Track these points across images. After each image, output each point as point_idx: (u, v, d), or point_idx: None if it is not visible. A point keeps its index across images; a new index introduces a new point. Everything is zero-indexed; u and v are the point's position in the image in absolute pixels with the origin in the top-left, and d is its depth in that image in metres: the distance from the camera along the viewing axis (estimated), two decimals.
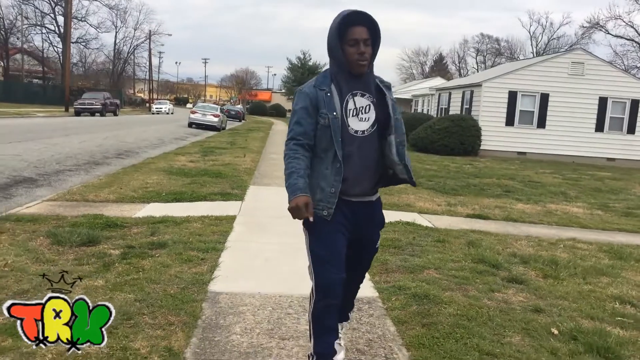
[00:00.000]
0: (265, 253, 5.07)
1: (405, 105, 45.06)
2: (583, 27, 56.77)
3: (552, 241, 6.59)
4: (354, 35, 2.52)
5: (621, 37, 45.45)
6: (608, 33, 46.91)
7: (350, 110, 2.59)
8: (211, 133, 27.52)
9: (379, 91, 2.67)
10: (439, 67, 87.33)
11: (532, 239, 6.60)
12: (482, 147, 22.70)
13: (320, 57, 72.82)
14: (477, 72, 63.04)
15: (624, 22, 49.70)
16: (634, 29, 44.66)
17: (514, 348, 3.27)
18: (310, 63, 71.88)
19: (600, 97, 23.00)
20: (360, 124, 2.59)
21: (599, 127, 23.26)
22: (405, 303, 3.93)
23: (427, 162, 17.35)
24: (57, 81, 68.21)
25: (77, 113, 36.60)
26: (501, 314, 3.85)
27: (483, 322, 3.66)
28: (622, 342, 3.45)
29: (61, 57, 66.52)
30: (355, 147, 2.58)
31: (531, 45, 76.57)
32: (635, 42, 45.88)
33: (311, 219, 2.48)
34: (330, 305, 2.63)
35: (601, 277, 5.07)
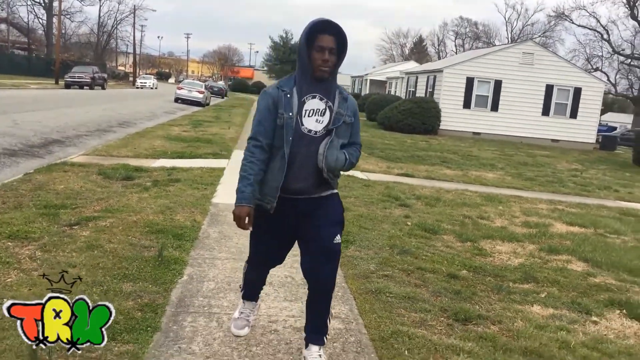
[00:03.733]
0: None
1: (381, 86, 47.71)
2: (549, 16, 59.67)
3: (449, 190, 9.32)
4: (321, 42, 2.66)
5: (584, 27, 48.31)
6: (572, 23, 49.71)
7: (306, 110, 2.73)
8: (196, 108, 29.84)
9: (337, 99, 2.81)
10: (419, 50, 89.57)
11: (435, 189, 9.32)
12: (441, 127, 25.39)
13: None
14: (456, 55, 65.62)
15: (588, 12, 52.82)
16: (596, 19, 47.59)
17: (387, 227, 5.96)
18: (293, 42, 73.68)
19: (547, 85, 25.83)
20: (316, 125, 2.74)
21: (545, 112, 26.13)
22: None
23: (388, 139, 20.01)
24: (41, 53, 69.20)
25: (67, 86, 38.43)
26: (385, 218, 6.56)
27: (372, 220, 6.35)
28: (445, 229, 6.19)
29: (46, 29, 67.50)
30: (304, 146, 2.72)
31: (506, 30, 79.50)
32: (597, 32, 48.78)
33: (250, 229, 2.76)
34: (259, 273, 3.20)
35: (464, 207, 7.80)
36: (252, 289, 3.24)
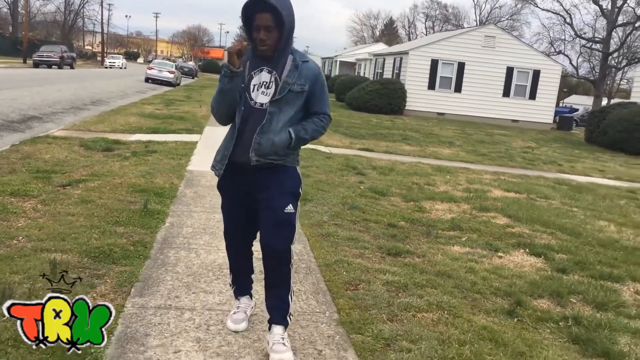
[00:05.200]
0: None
1: (350, 68, 48.48)
2: None
3: (404, 162, 10.24)
4: (257, 21, 2.65)
5: (548, 11, 49.60)
6: (537, 6, 51.00)
7: (254, 85, 2.75)
8: (167, 88, 30.18)
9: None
10: (389, 31, 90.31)
11: (392, 161, 10.23)
12: (407, 108, 26.34)
13: None
14: (421, 37, 66.61)
15: None
16: (560, 3, 49.01)
17: (342, 190, 6.82)
18: None
19: (507, 67, 26.97)
20: (263, 97, 2.74)
21: (506, 93, 27.32)
22: None
23: (354, 118, 20.87)
24: (6, 32, 67.74)
25: (36, 65, 38.16)
26: (341, 183, 7.43)
27: (329, 184, 7.21)
28: (393, 192, 7.10)
29: (11, 8, 66.05)
30: (252, 121, 2.74)
31: (475, 13, 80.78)
32: (561, 15, 50.22)
33: (240, 67, 2.69)
34: (236, 250, 3.11)
35: (414, 176, 8.72)
36: (240, 278, 3.14)
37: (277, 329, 2.82)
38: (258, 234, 2.89)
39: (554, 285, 4.12)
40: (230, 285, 3.21)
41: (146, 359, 2.64)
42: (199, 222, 5.01)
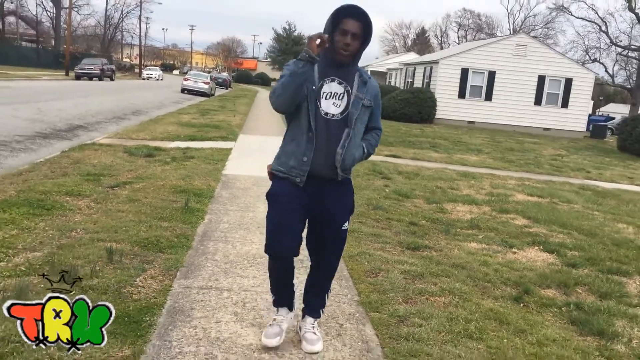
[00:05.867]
0: (249, 163, 8.96)
1: (381, 77, 48.85)
2: (549, 8, 60.43)
3: (430, 168, 10.56)
4: (346, 26, 2.68)
5: (583, 19, 49.13)
6: (571, 15, 50.56)
7: (324, 93, 2.75)
8: (202, 98, 31.10)
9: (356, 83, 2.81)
10: (421, 41, 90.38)
11: (417, 167, 10.57)
12: (437, 116, 26.57)
13: (306, 26, 75.72)
14: (452, 47, 66.59)
15: (586, 4, 53.69)
16: (595, 11, 48.44)
17: (368, 193, 7.21)
18: (295, 34, 74.91)
19: (539, 75, 26.95)
20: (334, 108, 2.76)
21: (538, 101, 27.27)
22: None
23: (384, 126, 20.85)
24: (48, 45, 70.58)
25: (77, 77, 39.74)
26: (367, 186, 7.82)
27: (356, 187, 7.59)
28: (417, 195, 7.45)
29: (54, 22, 68.81)
30: (327, 128, 2.75)
31: (508, 22, 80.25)
32: (596, 23, 49.64)
33: (326, 42, 2.63)
34: (279, 266, 2.91)
35: (439, 181, 9.05)
36: (281, 288, 3.01)
37: (310, 319, 3.04)
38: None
39: (562, 277, 4.43)
40: (271, 295, 3.08)
41: (192, 327, 3.09)
42: (234, 219, 5.48)
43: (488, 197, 7.98)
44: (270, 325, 3.00)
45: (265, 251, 2.86)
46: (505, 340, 3.16)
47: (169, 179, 6.98)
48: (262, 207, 5.20)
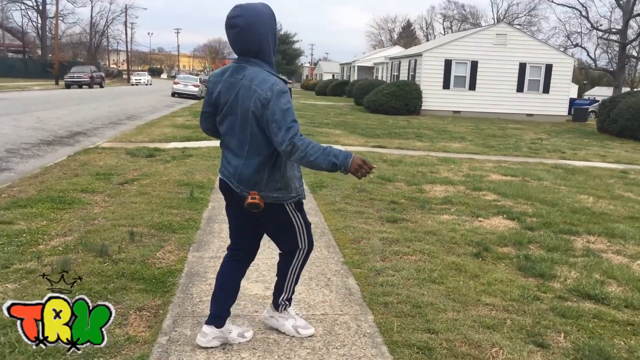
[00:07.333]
0: None
1: (368, 72, 49.64)
2: None
3: (413, 156, 11.30)
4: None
5: (564, 5, 50.06)
6: (553, 2, 51.44)
7: None
8: (193, 101, 31.73)
9: None
10: (407, 34, 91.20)
11: (401, 155, 11.30)
12: (423, 108, 27.33)
13: (292, 26, 75.76)
14: (435, 39, 67.35)
15: None
16: None
17: (353, 178, 7.93)
18: (282, 32, 75.40)
19: (520, 63, 27.76)
20: None
21: (520, 88, 28.10)
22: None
23: (371, 120, 21.95)
24: (35, 55, 70.82)
25: (67, 86, 40.27)
26: None
27: (343, 175, 8.33)
28: (399, 179, 8.18)
29: (39, 32, 69.09)
30: None
31: (492, 11, 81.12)
32: (576, 9, 50.60)
33: (375, 165, 2.80)
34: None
35: (421, 166, 9.79)
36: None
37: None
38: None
39: (518, 238, 5.17)
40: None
41: (207, 284, 3.80)
42: None
43: (464, 178, 8.72)
44: (301, 315, 3.30)
45: (310, 249, 3.16)
46: (461, 282, 3.90)
47: (172, 175, 7.68)
48: None
